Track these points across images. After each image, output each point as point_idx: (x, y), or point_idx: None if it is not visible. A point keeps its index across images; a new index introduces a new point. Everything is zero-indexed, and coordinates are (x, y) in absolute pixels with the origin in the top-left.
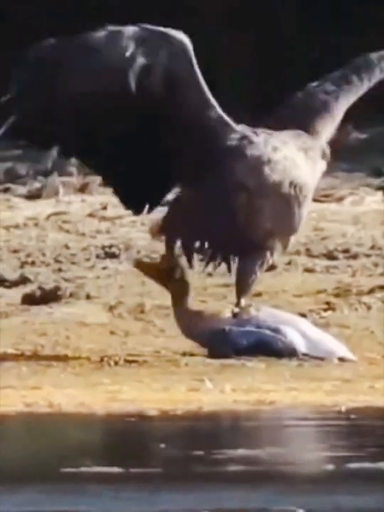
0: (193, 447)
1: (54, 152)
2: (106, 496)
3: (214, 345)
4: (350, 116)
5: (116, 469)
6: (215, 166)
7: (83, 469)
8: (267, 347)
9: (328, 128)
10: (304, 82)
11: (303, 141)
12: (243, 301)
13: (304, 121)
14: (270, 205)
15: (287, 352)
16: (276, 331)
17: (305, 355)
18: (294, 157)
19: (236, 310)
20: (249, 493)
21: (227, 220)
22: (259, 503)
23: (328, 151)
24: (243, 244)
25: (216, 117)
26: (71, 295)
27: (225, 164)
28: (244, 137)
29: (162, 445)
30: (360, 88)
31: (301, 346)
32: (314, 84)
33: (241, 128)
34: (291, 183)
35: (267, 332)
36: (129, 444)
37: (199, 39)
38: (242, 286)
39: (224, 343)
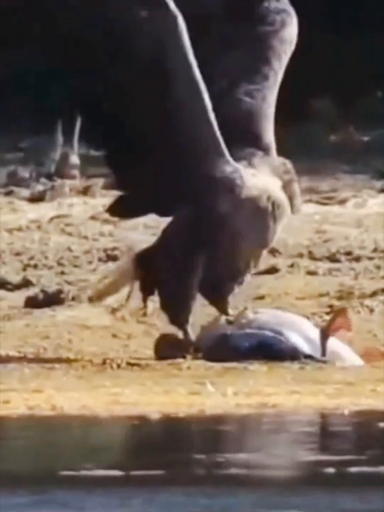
0: (195, 450)
1: (57, 155)
2: (107, 499)
3: (216, 350)
4: (353, 119)
5: (117, 472)
6: (195, 197)
7: (84, 472)
8: (269, 349)
9: (271, 134)
10: None
11: (268, 162)
12: (230, 310)
13: (251, 136)
14: (248, 225)
15: (289, 354)
16: (278, 333)
17: (307, 357)
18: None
19: (230, 318)
20: (250, 496)
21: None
22: (260, 507)
23: (289, 165)
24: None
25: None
26: (73, 298)
27: (208, 197)
28: (236, 170)
29: (163, 448)
30: (278, 74)
31: (304, 349)
32: (223, 84)
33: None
34: (268, 198)
35: (269, 334)
36: (131, 447)
37: None
38: (223, 306)
39: (226, 348)
